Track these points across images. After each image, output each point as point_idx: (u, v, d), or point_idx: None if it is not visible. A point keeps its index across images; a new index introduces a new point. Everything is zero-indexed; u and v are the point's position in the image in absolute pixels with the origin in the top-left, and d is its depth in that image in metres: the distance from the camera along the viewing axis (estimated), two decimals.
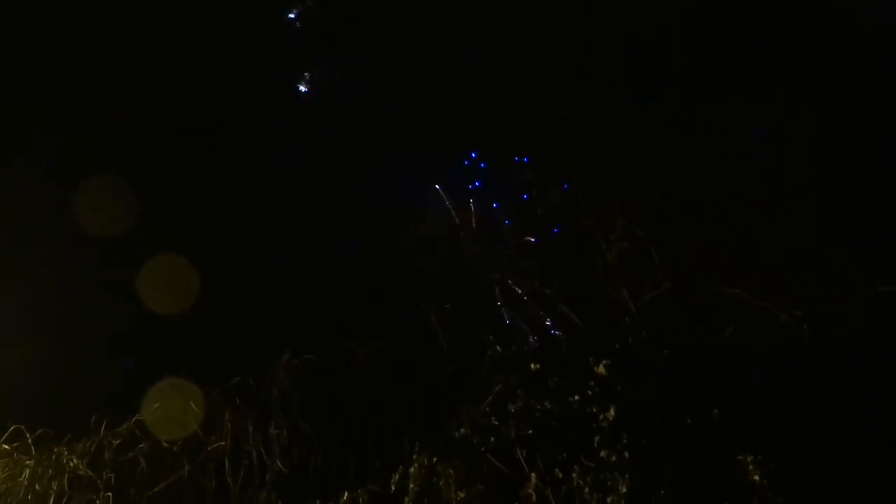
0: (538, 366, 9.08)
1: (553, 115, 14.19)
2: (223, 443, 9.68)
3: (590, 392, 8.40)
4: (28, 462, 9.58)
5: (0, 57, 15.97)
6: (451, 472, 8.40)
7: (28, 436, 9.83)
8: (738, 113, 11.86)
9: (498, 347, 9.93)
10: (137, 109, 17.34)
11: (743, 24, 13.33)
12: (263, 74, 19.72)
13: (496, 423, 8.77)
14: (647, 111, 13.31)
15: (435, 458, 8.62)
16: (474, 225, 15.55)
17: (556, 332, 12.82)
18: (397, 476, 8.84)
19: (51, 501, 9.20)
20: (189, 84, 18.33)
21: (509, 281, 13.97)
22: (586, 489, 7.57)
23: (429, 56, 17.83)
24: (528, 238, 13.83)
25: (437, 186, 16.73)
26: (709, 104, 12.20)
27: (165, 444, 9.69)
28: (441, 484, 8.41)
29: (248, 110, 18.86)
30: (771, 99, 11.69)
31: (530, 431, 8.46)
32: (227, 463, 9.60)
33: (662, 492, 7.19)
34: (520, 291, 13.84)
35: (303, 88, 19.74)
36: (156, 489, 9.41)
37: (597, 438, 7.89)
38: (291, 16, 19.21)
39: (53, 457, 9.63)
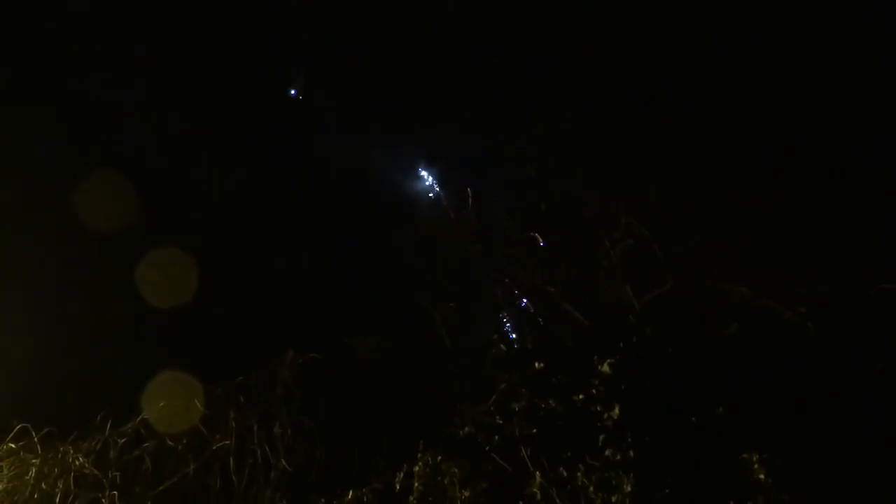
0: (542, 364, 9.12)
1: (553, 115, 14.23)
2: (228, 441, 9.69)
3: (594, 391, 8.43)
4: (34, 461, 9.55)
5: (0, 57, 15.97)
6: (456, 470, 8.41)
7: (34, 434, 9.82)
8: (739, 113, 11.91)
9: (502, 346, 9.97)
10: (138, 109, 17.35)
11: (743, 24, 13.37)
12: (263, 74, 19.72)
13: (500, 421, 8.79)
14: (647, 111, 13.36)
15: (439, 457, 8.64)
16: (473, 217, 15.56)
17: (548, 329, 12.86)
18: (402, 474, 8.86)
19: (57, 500, 9.18)
20: (189, 84, 18.34)
21: (506, 280, 13.99)
22: (591, 488, 7.59)
23: (429, 56, 17.85)
24: (533, 234, 13.81)
25: (420, 170, 16.77)
26: (709, 104, 12.25)
27: (170, 443, 9.70)
28: (445, 482, 8.42)
29: (248, 110, 18.88)
30: (771, 99, 11.73)
31: (534, 430, 8.48)
32: (231, 461, 9.60)
33: (667, 491, 7.22)
34: (517, 291, 13.86)
35: (303, 88, 19.75)
36: (161, 488, 9.40)
37: (601, 437, 7.92)
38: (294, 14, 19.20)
39: (59, 455, 9.60)
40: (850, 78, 11.85)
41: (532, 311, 13.41)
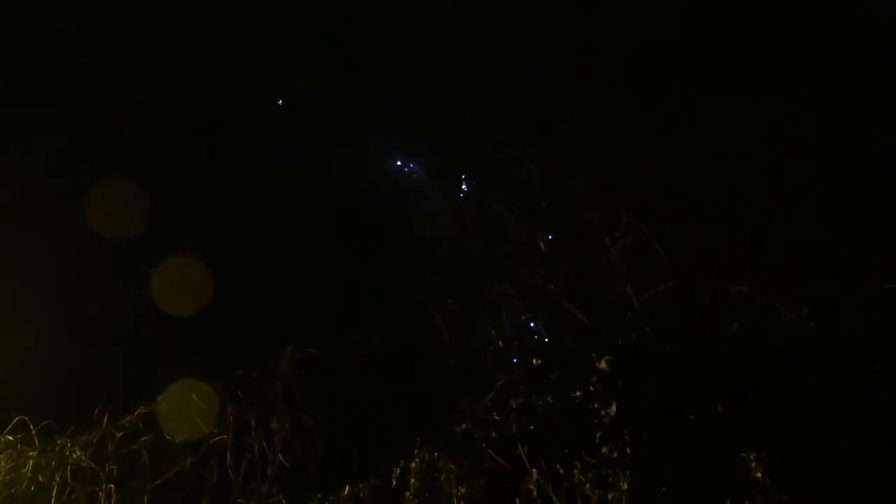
0: (540, 361, 9.08)
1: (553, 115, 14.25)
2: (225, 436, 9.68)
3: (592, 388, 8.39)
4: (32, 454, 9.55)
5: (1, 57, 16.01)
6: (453, 467, 8.38)
7: (32, 427, 9.83)
8: (739, 113, 11.91)
9: (500, 343, 9.94)
10: (138, 109, 17.39)
11: (743, 23, 13.38)
12: (263, 74, 19.76)
13: (498, 418, 8.76)
14: (647, 111, 13.36)
15: (436, 453, 8.62)
16: (473, 216, 15.57)
17: (540, 328, 12.82)
18: (398, 471, 8.83)
19: (54, 493, 9.17)
20: (189, 84, 18.37)
21: (506, 280, 13.97)
22: (587, 485, 7.54)
23: (429, 56, 17.88)
24: (539, 234, 13.75)
25: (420, 169, 16.78)
26: (709, 104, 12.25)
27: (168, 437, 9.70)
28: (442, 479, 8.39)
29: (248, 110, 18.91)
30: (771, 99, 11.73)
31: (532, 427, 8.45)
32: (228, 456, 9.59)
33: (664, 489, 7.18)
34: (514, 290, 13.85)
35: (303, 89, 19.79)
36: (158, 481, 9.40)
37: (598, 434, 7.88)
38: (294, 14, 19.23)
39: (57, 449, 9.61)
40: (851, 78, 11.85)
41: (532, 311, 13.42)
